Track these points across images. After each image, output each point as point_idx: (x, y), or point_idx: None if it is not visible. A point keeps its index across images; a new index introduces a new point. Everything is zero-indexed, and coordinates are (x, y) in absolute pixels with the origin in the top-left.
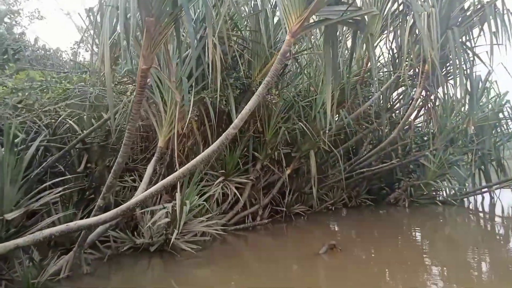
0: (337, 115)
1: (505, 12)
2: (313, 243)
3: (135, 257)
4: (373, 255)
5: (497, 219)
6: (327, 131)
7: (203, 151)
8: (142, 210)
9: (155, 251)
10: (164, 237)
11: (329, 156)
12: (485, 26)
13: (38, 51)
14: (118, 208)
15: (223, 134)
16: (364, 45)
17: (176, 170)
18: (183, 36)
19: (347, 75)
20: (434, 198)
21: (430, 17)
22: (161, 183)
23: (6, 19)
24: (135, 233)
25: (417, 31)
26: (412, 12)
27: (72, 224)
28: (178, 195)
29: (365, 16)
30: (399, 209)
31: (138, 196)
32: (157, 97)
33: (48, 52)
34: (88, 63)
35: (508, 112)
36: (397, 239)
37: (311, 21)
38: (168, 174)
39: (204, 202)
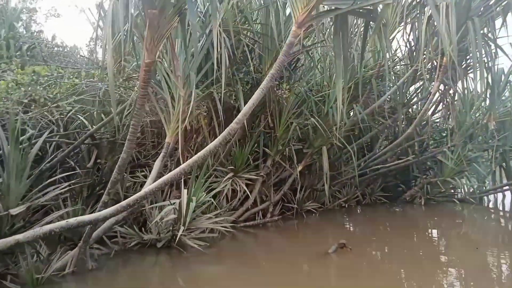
0: (351, 111)
1: None
2: (324, 242)
3: (142, 253)
4: (386, 254)
5: None
6: (339, 127)
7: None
8: (151, 206)
9: (163, 247)
10: (171, 233)
11: (342, 153)
12: (509, 16)
13: (54, 48)
14: (118, 204)
15: (226, 129)
16: (378, 37)
17: None
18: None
19: (362, 69)
20: (452, 196)
21: (449, 8)
22: (162, 179)
23: (23, 16)
24: (144, 229)
25: (435, 23)
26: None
27: (72, 220)
28: (184, 191)
29: (378, 6)
30: (415, 207)
31: (139, 192)
32: (166, 92)
33: (64, 50)
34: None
35: None
36: (412, 238)
37: (321, 10)
38: None
39: (212, 199)
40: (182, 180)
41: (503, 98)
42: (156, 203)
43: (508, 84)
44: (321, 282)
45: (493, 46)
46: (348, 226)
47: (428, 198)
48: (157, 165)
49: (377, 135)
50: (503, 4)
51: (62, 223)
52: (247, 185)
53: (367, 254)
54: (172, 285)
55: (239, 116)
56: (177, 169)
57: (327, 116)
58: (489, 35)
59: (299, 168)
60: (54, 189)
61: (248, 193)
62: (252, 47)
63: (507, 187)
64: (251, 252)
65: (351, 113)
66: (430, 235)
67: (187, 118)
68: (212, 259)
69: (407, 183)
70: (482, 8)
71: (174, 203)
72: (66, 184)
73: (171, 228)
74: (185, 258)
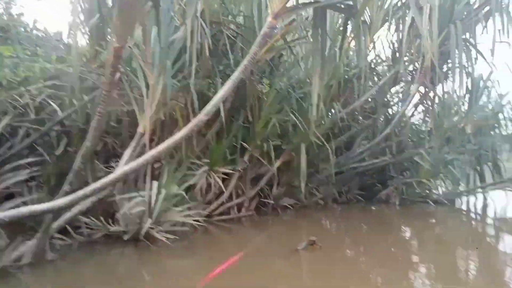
0: (332, 109)
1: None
2: (297, 238)
3: (107, 245)
4: (356, 252)
5: (489, 221)
6: (319, 125)
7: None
8: (121, 197)
9: (130, 240)
10: (139, 225)
11: (321, 150)
12: (490, 22)
13: (33, 32)
14: (74, 193)
15: (193, 121)
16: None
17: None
18: (173, 17)
19: (343, 67)
20: (426, 197)
21: (432, 10)
22: (122, 169)
23: None
24: (111, 220)
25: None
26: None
27: (24, 210)
28: (154, 183)
29: (358, 2)
30: (390, 207)
31: (96, 183)
32: (141, 80)
33: (44, 34)
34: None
35: (508, 113)
36: (385, 237)
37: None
38: None
39: (183, 192)
40: (154, 172)
41: (481, 103)
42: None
43: (486, 90)
44: (288, 279)
45: (473, 51)
46: (322, 223)
47: (403, 198)
48: (125, 155)
49: (356, 134)
50: (485, 9)
51: (13, 211)
52: (223, 179)
53: (338, 251)
54: (135, 278)
55: (208, 107)
56: (140, 160)
57: (307, 113)
58: (471, 40)
59: (277, 164)
60: (15, 175)
61: (223, 187)
62: (234, 39)
63: (480, 190)
64: (222, 247)
65: (332, 112)
66: (402, 234)
67: (160, 109)
68: (180, 253)
69: (384, 183)
70: (465, 13)
71: (143, 195)
72: (28, 170)
73: (139, 220)
74: (152, 252)
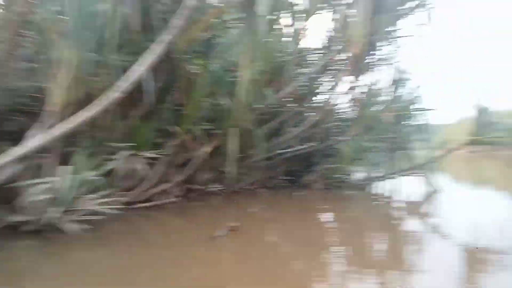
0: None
1: (431, 6)
2: (220, 224)
3: (7, 237)
4: (278, 237)
5: (397, 204)
6: (252, 109)
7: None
8: (23, 183)
9: (34, 231)
10: (45, 214)
11: (252, 136)
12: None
13: None
14: None
15: (103, 98)
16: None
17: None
18: None
19: (276, 52)
20: (347, 182)
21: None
22: (13, 152)
23: None
24: (12, 209)
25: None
26: None
27: None
28: (62, 168)
29: None
30: (314, 192)
31: None
32: (54, 53)
33: None
34: None
35: (420, 105)
36: (306, 221)
37: None
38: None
39: (100, 177)
40: (67, 157)
41: (400, 94)
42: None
43: (404, 82)
44: (205, 265)
45: (398, 44)
46: (248, 209)
47: (326, 183)
48: (29, 135)
49: (287, 120)
50: (414, 3)
51: None
52: (150, 165)
53: (259, 236)
54: (37, 271)
55: (122, 83)
56: (35, 140)
57: (240, 97)
58: (396, 32)
59: (207, 149)
60: None
61: (148, 172)
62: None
63: (393, 176)
64: (140, 235)
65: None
66: (322, 218)
67: (75, 86)
68: (92, 244)
69: (309, 169)
70: (393, 5)
71: (51, 180)
72: None
73: (45, 209)
74: (59, 244)
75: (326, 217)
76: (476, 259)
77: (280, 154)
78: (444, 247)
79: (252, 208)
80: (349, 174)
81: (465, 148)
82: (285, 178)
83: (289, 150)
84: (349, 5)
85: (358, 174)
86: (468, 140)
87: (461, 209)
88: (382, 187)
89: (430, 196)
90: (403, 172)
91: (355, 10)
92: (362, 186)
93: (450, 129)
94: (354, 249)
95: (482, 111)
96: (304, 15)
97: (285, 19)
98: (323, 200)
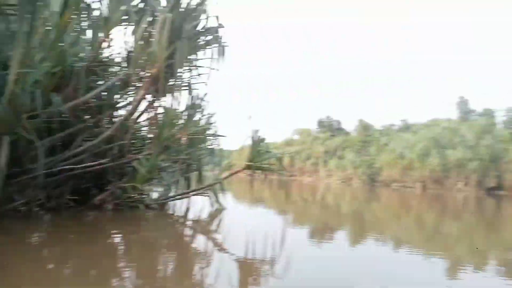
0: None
1: (225, 43)
2: None
3: None
4: (59, 266)
5: (189, 223)
6: (32, 116)
7: None
8: None
9: None
10: None
11: (31, 147)
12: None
13: None
14: None
15: None
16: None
17: None
18: None
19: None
20: (140, 201)
21: (165, 21)
22: None
23: None
24: None
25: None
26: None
27: None
28: None
29: None
30: (104, 212)
31: None
32: None
33: None
34: None
35: (213, 130)
36: (93, 245)
37: None
38: None
39: None
40: None
41: (196, 118)
42: None
43: (201, 108)
44: None
45: (197, 71)
46: (20, 235)
47: (118, 203)
48: None
49: (78, 132)
50: (206, 37)
51: None
52: None
53: (37, 268)
54: None
55: None
56: None
57: (17, 99)
58: (195, 61)
59: None
60: None
61: None
62: None
63: (185, 196)
64: None
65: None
66: (111, 241)
67: None
68: None
69: (101, 187)
70: (192, 34)
71: None
72: None
73: None
74: None
75: (117, 239)
76: (250, 270)
77: (66, 170)
78: (225, 260)
79: (27, 234)
80: (144, 194)
81: (245, 171)
82: (72, 197)
83: (75, 166)
84: (150, 24)
85: (154, 194)
86: (245, 165)
87: (240, 225)
88: (177, 207)
89: (217, 214)
90: (196, 191)
91: (156, 30)
92: (158, 205)
93: (236, 154)
94: (144, 270)
95: (257, 141)
96: (104, 23)
97: (84, 23)
98: (114, 221)
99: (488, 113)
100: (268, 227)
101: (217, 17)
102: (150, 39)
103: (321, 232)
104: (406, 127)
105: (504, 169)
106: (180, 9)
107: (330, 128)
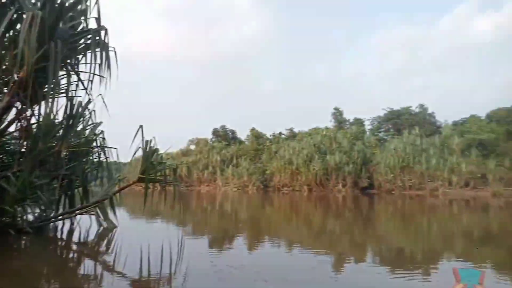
0: None
1: (110, 48)
2: None
3: None
4: None
5: (74, 246)
6: None
7: None
8: None
9: None
10: None
11: None
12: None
13: None
14: None
15: None
16: None
17: None
18: None
19: None
20: (10, 226)
21: (34, 19)
22: None
23: None
24: None
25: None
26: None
27: None
28: None
29: None
30: None
31: None
32: None
33: None
34: None
35: (100, 142)
36: None
37: None
38: None
39: None
40: None
41: (78, 129)
42: None
43: (83, 117)
44: None
45: (75, 77)
46: None
47: None
48: None
49: None
50: (88, 40)
51: None
52: None
53: None
54: None
55: None
56: None
57: None
58: (74, 66)
59: None
60: None
61: None
62: None
63: (67, 215)
64: None
65: None
66: None
67: None
68: None
69: None
70: (69, 35)
71: None
72: None
73: None
74: None
75: None
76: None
77: None
78: (116, 284)
79: None
80: (14, 216)
81: (139, 184)
82: None
83: None
84: (17, 21)
85: (30, 216)
86: (138, 178)
87: (133, 242)
88: (59, 229)
89: (107, 233)
90: (81, 210)
91: (24, 28)
92: (34, 229)
93: (130, 166)
94: None
95: (150, 152)
96: None
97: None
98: None
99: (359, 122)
100: (165, 242)
101: (97, 18)
102: (18, 39)
103: (221, 241)
104: (293, 135)
105: (373, 170)
106: (55, 6)
107: (226, 137)
